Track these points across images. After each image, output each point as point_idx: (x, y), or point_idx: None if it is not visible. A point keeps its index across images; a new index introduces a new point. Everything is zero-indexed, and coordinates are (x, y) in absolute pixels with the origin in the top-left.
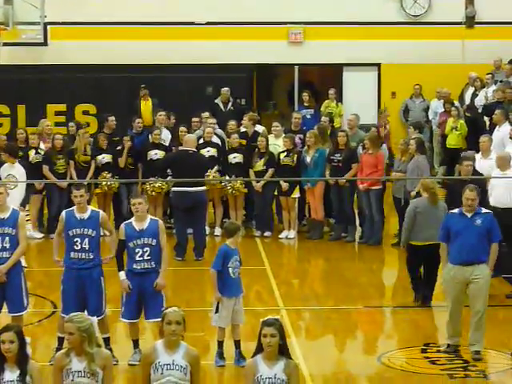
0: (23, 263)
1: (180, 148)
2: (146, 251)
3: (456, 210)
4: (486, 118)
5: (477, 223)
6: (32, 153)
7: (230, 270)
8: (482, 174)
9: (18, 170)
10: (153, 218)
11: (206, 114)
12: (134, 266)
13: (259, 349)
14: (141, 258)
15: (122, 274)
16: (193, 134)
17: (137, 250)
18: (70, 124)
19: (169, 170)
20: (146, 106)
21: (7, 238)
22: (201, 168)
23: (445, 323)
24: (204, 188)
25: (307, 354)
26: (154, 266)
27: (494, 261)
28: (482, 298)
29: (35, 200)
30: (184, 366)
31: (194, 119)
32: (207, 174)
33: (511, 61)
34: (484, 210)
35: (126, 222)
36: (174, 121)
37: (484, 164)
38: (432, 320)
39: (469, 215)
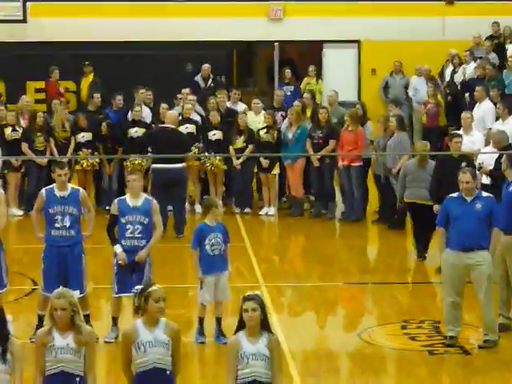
0: None
1: (160, 125)
2: (137, 228)
3: (455, 194)
4: (466, 95)
5: (477, 207)
6: (8, 130)
7: (208, 247)
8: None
9: None
10: (147, 196)
11: (186, 90)
12: (123, 243)
13: (241, 325)
14: (131, 235)
15: (118, 247)
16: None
17: (128, 227)
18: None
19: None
20: (85, 82)
21: None
22: (180, 145)
23: (444, 313)
24: (183, 165)
25: (288, 330)
26: (143, 243)
27: (495, 246)
28: (484, 284)
29: (14, 177)
30: (166, 341)
31: (179, 95)
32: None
33: (490, 37)
34: (485, 194)
35: (120, 197)
36: (151, 97)
37: (466, 140)
38: (412, 296)
39: (468, 199)
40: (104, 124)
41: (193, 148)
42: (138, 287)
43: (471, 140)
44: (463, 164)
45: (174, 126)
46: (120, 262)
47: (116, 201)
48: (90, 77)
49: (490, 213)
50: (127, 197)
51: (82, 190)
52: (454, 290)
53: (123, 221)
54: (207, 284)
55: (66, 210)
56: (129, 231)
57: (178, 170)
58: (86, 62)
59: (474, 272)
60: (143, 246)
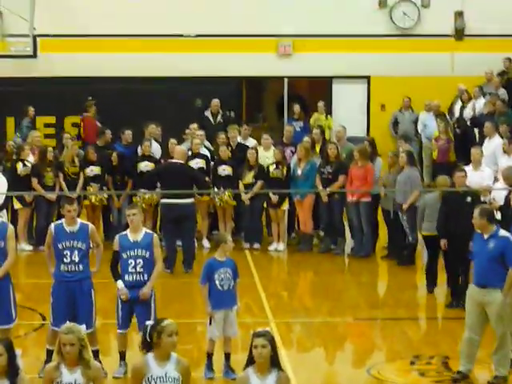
0: None
1: (169, 160)
2: (139, 263)
3: (479, 230)
4: (475, 130)
5: (490, 246)
6: (20, 165)
7: (217, 282)
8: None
9: None
10: (148, 230)
11: (194, 125)
12: (126, 278)
13: (250, 361)
14: (133, 270)
15: (120, 283)
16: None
17: (130, 261)
18: (65, 136)
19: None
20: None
21: None
22: (189, 180)
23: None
24: (192, 200)
25: (297, 366)
26: (146, 278)
27: (509, 286)
28: (496, 324)
29: (24, 212)
30: (177, 377)
31: (187, 131)
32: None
33: (500, 73)
34: (501, 234)
35: (121, 233)
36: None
37: (475, 176)
38: (421, 332)
39: (485, 236)
40: (114, 154)
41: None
42: (149, 322)
43: (481, 176)
44: (468, 199)
45: (182, 161)
46: (122, 297)
47: (117, 236)
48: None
49: (502, 252)
50: (128, 232)
51: (91, 224)
52: (470, 325)
53: (125, 256)
54: (216, 319)
55: (75, 245)
56: (131, 266)
57: (188, 205)
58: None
59: (487, 310)
60: (146, 280)
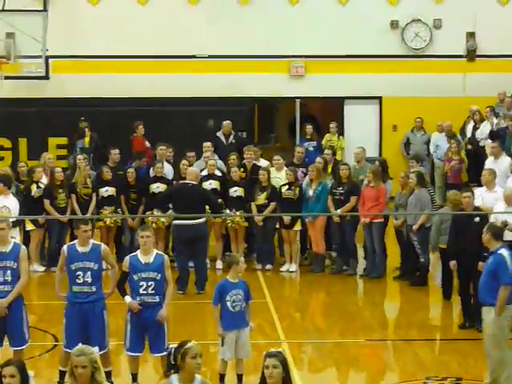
0: None
1: (181, 181)
2: (151, 285)
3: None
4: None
5: (488, 263)
6: (34, 187)
7: (228, 303)
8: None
9: (11, 202)
10: (159, 252)
11: (208, 143)
12: (137, 299)
13: (262, 382)
14: (144, 292)
15: (128, 298)
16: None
17: (141, 283)
18: (79, 157)
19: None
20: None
21: (9, 272)
22: (202, 201)
23: None
24: (204, 220)
25: None
26: (157, 300)
27: (501, 304)
28: (489, 342)
29: (36, 233)
30: None
31: (205, 154)
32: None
33: None
34: (500, 251)
35: (132, 254)
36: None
37: (488, 197)
38: (434, 353)
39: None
40: (130, 170)
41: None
42: (173, 345)
43: (494, 197)
44: (477, 219)
45: (195, 182)
46: (134, 310)
47: (127, 257)
48: (88, 134)
49: (495, 269)
50: (138, 253)
51: (103, 245)
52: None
53: (136, 278)
54: (228, 340)
55: (88, 266)
56: (142, 288)
57: (200, 226)
58: (82, 118)
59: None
60: (157, 302)
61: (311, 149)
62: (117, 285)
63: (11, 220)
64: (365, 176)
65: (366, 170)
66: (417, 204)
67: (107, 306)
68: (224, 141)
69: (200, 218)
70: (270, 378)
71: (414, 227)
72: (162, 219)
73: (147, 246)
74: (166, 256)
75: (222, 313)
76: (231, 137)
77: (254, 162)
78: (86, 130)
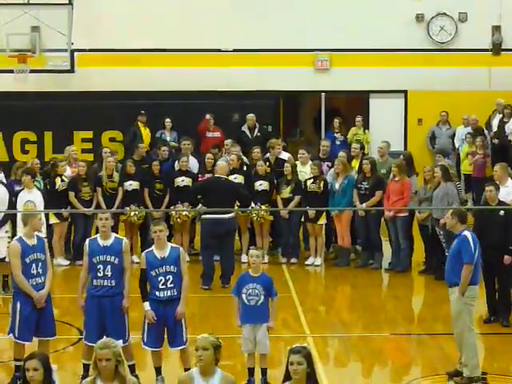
0: None
1: (214, 175)
2: (169, 279)
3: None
4: None
5: (452, 245)
6: (58, 180)
7: (244, 296)
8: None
9: (36, 196)
10: (173, 245)
11: (229, 141)
12: (157, 294)
13: (287, 377)
14: (164, 286)
15: (147, 305)
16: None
17: (159, 279)
18: (104, 150)
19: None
20: (146, 132)
21: (40, 264)
22: (234, 195)
23: None
24: (234, 214)
25: (334, 381)
26: (176, 293)
27: (463, 283)
28: (453, 321)
29: (60, 227)
30: None
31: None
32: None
33: None
34: (464, 233)
35: (147, 250)
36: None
37: (501, 191)
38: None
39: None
40: (155, 163)
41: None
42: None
43: (507, 191)
44: (501, 212)
45: (225, 176)
46: (148, 321)
47: (143, 254)
48: (147, 127)
49: (459, 249)
50: (154, 248)
51: (125, 240)
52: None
53: (153, 273)
54: (244, 333)
55: (108, 259)
56: (161, 283)
57: (230, 220)
58: (142, 111)
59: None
60: (177, 295)
61: (338, 143)
62: (139, 284)
63: (39, 214)
64: (386, 170)
65: (388, 165)
66: (443, 198)
67: (130, 300)
68: (249, 134)
69: (230, 212)
70: (295, 374)
71: (441, 221)
72: (185, 212)
73: (161, 241)
74: (181, 248)
75: (240, 305)
76: (256, 130)
77: (278, 155)
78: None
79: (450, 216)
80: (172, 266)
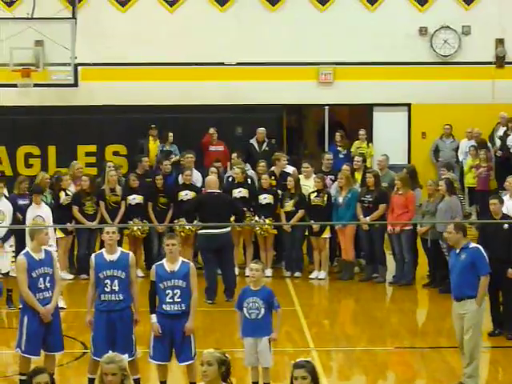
0: (62, 304)
1: (207, 190)
2: (177, 293)
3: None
4: None
5: (461, 258)
6: (62, 194)
7: (245, 310)
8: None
9: (44, 211)
10: (184, 260)
11: (234, 154)
12: (165, 308)
13: None
14: (171, 300)
15: (154, 317)
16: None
17: (167, 292)
18: (108, 164)
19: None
20: (154, 146)
21: (48, 278)
22: (228, 209)
23: None
24: (229, 229)
25: None
26: (184, 308)
27: (482, 295)
28: (469, 333)
29: (64, 241)
30: None
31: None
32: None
33: None
34: (472, 245)
35: (158, 263)
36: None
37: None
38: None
39: (457, 251)
40: (158, 177)
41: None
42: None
43: None
44: (505, 226)
45: (218, 191)
46: (154, 333)
47: (154, 266)
48: (157, 140)
49: (473, 262)
50: (164, 261)
51: (131, 254)
52: (457, 337)
53: (162, 286)
54: (246, 347)
55: (115, 274)
56: (168, 296)
57: (225, 235)
58: (153, 125)
59: (463, 322)
60: (184, 310)
61: (341, 156)
62: (148, 296)
63: (45, 229)
64: (387, 183)
65: (388, 178)
66: (447, 211)
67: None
68: (257, 148)
69: (225, 226)
70: None
71: (445, 234)
72: (189, 227)
73: (173, 255)
74: (191, 264)
75: (242, 319)
76: (264, 144)
77: (283, 169)
78: (155, 136)
79: (454, 231)
80: (181, 281)
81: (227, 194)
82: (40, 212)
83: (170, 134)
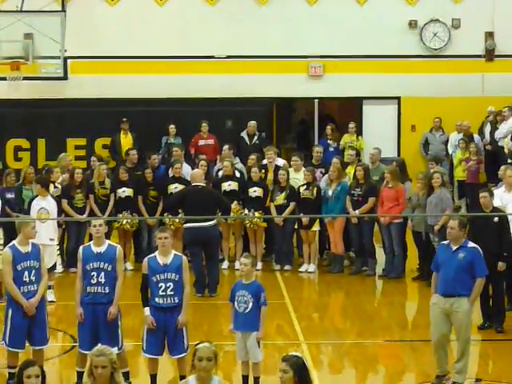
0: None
1: (192, 184)
2: (169, 286)
3: (445, 242)
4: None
5: (459, 256)
6: (51, 187)
7: (236, 303)
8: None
9: (49, 203)
10: (177, 253)
11: (225, 146)
12: (157, 301)
13: None
14: (164, 293)
15: (147, 310)
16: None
17: (160, 285)
18: (92, 158)
19: None
20: (127, 139)
21: (33, 271)
22: (213, 202)
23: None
24: (215, 222)
25: None
26: (176, 301)
27: (476, 295)
28: (461, 331)
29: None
30: None
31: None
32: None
33: None
34: (470, 245)
35: (150, 255)
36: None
37: (508, 197)
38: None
39: (453, 248)
40: (147, 170)
41: (233, 205)
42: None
43: None
44: (495, 219)
45: (203, 184)
46: (147, 326)
47: (146, 259)
48: (129, 134)
49: (472, 262)
50: (157, 254)
51: (119, 248)
52: (435, 329)
53: (154, 279)
54: (236, 340)
55: (101, 266)
56: (161, 289)
57: (211, 228)
58: (124, 119)
59: (452, 317)
60: (176, 303)
61: (331, 149)
62: (140, 289)
63: (43, 221)
64: (379, 177)
65: (380, 171)
66: (437, 204)
67: (123, 307)
68: (248, 141)
69: (211, 220)
70: (281, 381)
71: (436, 227)
72: (177, 221)
73: (166, 248)
74: (184, 257)
75: (233, 312)
76: (255, 137)
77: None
78: (127, 130)
79: (458, 227)
80: (174, 274)
81: (212, 188)
82: (45, 204)
83: (172, 126)
